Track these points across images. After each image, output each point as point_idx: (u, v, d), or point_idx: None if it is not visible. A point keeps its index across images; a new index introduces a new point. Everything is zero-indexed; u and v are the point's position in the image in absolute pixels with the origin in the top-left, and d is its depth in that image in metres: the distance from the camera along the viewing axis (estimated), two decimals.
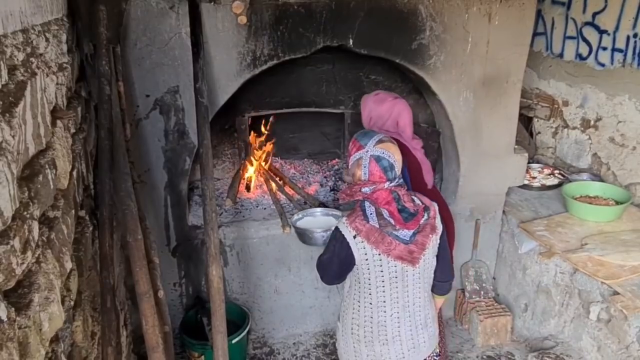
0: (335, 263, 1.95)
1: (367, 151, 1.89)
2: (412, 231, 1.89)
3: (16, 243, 1.06)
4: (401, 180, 1.95)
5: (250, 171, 3.51)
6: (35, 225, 1.21)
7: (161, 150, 2.76)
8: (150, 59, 2.55)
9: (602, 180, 3.52)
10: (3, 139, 1.08)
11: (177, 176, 2.84)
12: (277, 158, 3.87)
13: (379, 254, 1.86)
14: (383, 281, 1.91)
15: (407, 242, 1.89)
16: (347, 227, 1.89)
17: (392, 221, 1.86)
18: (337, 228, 1.93)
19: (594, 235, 2.97)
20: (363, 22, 2.76)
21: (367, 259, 1.87)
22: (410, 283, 1.96)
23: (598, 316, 2.77)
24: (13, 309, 1.02)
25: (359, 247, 1.86)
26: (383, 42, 2.85)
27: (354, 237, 1.86)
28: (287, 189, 3.41)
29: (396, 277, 1.92)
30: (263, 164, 3.57)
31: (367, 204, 1.90)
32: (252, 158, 3.54)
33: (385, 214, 1.87)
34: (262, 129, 3.70)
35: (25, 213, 1.16)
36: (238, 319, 3.02)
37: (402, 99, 2.57)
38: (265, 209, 3.27)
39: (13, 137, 1.14)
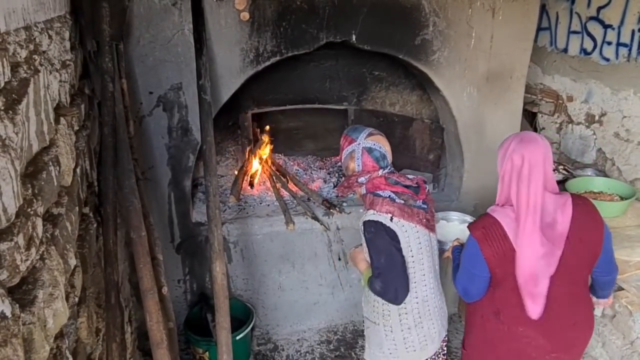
0: (397, 256, 1.85)
1: (358, 144, 1.96)
2: (422, 200, 1.97)
3: (20, 240, 1.07)
4: (392, 168, 2.02)
5: (254, 167, 3.51)
6: (39, 222, 1.21)
7: (165, 148, 2.76)
8: (153, 56, 2.55)
9: (606, 176, 3.50)
10: (6, 135, 1.08)
11: (180, 173, 2.84)
12: (280, 155, 3.87)
13: (415, 226, 1.90)
14: (421, 252, 1.95)
15: (426, 209, 1.96)
16: (379, 215, 1.87)
17: (409, 194, 1.92)
18: (370, 222, 1.87)
19: None
20: (366, 17, 2.75)
21: (407, 236, 1.89)
22: (434, 249, 2.03)
23: (603, 312, 2.75)
24: (17, 305, 1.02)
25: (399, 227, 1.86)
26: (386, 37, 2.84)
27: (391, 219, 1.85)
28: (290, 185, 3.41)
29: (427, 246, 1.97)
30: (265, 157, 3.57)
31: (378, 191, 1.93)
32: (255, 154, 3.53)
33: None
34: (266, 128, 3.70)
35: (29, 210, 1.16)
36: (242, 316, 3.03)
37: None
38: (268, 205, 3.27)
39: (16, 134, 1.15)
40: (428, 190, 2.05)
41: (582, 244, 1.81)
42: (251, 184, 3.42)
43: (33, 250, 1.14)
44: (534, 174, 1.76)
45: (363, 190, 1.99)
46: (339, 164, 3.86)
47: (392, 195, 1.91)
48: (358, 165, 1.96)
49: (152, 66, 2.57)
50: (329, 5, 2.67)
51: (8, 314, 0.95)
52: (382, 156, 1.96)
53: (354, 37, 2.78)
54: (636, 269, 2.64)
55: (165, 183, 2.85)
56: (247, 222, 3.08)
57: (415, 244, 1.92)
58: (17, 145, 1.15)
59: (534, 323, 1.89)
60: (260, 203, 3.30)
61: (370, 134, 1.98)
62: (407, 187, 1.96)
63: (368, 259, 1.97)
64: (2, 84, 1.13)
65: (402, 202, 1.90)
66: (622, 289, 2.59)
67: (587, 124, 3.71)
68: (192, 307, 3.14)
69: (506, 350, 2.00)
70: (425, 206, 1.97)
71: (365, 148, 1.95)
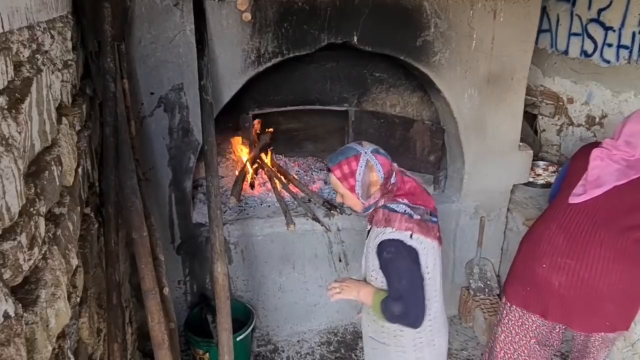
0: (418, 278, 1.75)
1: (365, 152, 1.79)
2: (432, 212, 1.84)
3: (23, 239, 1.07)
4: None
5: (253, 168, 3.51)
6: (42, 222, 1.21)
7: (165, 148, 2.76)
8: (154, 57, 2.55)
9: None
10: (9, 135, 1.08)
11: (181, 174, 2.84)
12: (280, 155, 3.87)
13: (431, 242, 1.79)
14: (435, 269, 1.84)
15: (437, 222, 1.85)
16: (399, 232, 1.73)
17: (422, 208, 1.79)
18: (390, 242, 1.73)
19: None
20: (367, 18, 2.75)
21: (426, 253, 1.78)
22: (442, 264, 1.93)
23: None
24: (20, 304, 1.02)
25: (419, 243, 1.75)
26: (387, 39, 2.84)
27: (411, 236, 1.73)
28: (291, 186, 3.41)
29: (440, 261, 1.88)
30: (266, 160, 3.57)
31: (392, 205, 1.77)
32: (254, 154, 3.53)
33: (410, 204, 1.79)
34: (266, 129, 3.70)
35: (31, 209, 1.16)
36: (242, 317, 3.02)
37: None
38: (269, 206, 3.27)
39: (19, 133, 1.14)
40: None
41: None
42: (252, 185, 3.42)
43: (36, 249, 1.14)
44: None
45: (370, 203, 1.81)
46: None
47: (408, 210, 1.75)
48: (379, 171, 1.79)
49: (153, 67, 2.57)
50: (331, 6, 2.67)
51: (11, 313, 0.94)
52: (386, 153, 1.84)
53: (355, 38, 2.78)
54: None
55: (166, 184, 2.84)
56: (247, 223, 3.08)
57: (431, 261, 1.81)
58: (20, 145, 1.15)
59: (559, 221, 2.22)
60: (261, 204, 3.30)
61: (359, 142, 1.85)
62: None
63: (378, 283, 1.83)
64: (6, 83, 1.13)
65: (419, 217, 1.76)
66: None
67: (587, 125, 3.72)
68: (193, 308, 3.13)
69: (526, 241, 2.35)
70: (436, 219, 1.86)
71: (374, 151, 1.80)
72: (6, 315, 0.93)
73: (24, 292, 1.10)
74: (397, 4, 2.76)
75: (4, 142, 1.04)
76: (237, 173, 3.48)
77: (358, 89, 3.61)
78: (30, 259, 1.10)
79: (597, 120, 3.61)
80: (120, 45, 2.29)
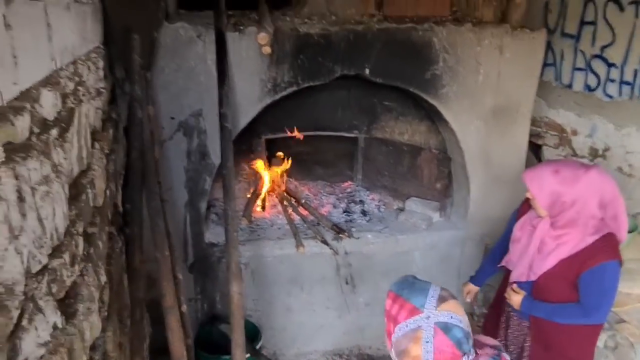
0: None
1: (427, 317, 1.29)
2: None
3: (66, 257, 1.17)
4: (474, 350, 1.36)
5: (265, 191, 3.61)
6: (81, 241, 1.32)
7: (183, 170, 2.87)
8: (176, 84, 2.68)
9: None
10: (59, 162, 1.19)
11: (197, 195, 2.94)
12: (291, 179, 3.97)
13: None
14: None
15: None
16: None
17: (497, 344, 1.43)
18: None
19: None
20: (379, 52, 2.88)
21: None
22: None
23: (605, 344, 2.80)
24: (63, 317, 1.12)
25: None
26: (398, 72, 2.96)
27: None
28: (301, 209, 3.50)
29: None
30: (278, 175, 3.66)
31: None
32: (266, 178, 3.64)
33: None
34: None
35: (72, 229, 1.27)
36: (250, 336, 3.08)
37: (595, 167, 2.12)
38: (279, 228, 3.36)
39: (65, 160, 1.26)
40: None
41: None
42: (263, 207, 3.52)
43: (76, 267, 1.24)
44: None
45: None
46: (348, 190, 3.94)
47: None
48: (427, 353, 1.28)
49: (175, 93, 2.70)
50: (345, 40, 2.80)
51: (59, 324, 1.05)
52: (466, 336, 1.31)
53: (367, 71, 2.91)
54: (638, 302, 2.70)
55: (182, 204, 2.94)
56: (258, 244, 3.17)
57: None
58: (66, 170, 1.26)
59: None
60: (272, 226, 3.39)
61: (442, 299, 1.32)
62: None
63: None
64: (56, 115, 1.24)
65: None
66: (624, 321, 2.65)
67: (591, 157, 3.80)
68: (203, 326, 3.20)
69: None
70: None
71: (439, 325, 1.28)
72: (55, 327, 1.04)
73: (65, 306, 1.20)
74: (408, 40, 2.89)
75: (54, 169, 1.15)
76: (248, 195, 3.59)
77: (368, 117, 3.72)
78: (72, 276, 1.21)
79: (600, 152, 3.70)
80: (147, 74, 2.42)
